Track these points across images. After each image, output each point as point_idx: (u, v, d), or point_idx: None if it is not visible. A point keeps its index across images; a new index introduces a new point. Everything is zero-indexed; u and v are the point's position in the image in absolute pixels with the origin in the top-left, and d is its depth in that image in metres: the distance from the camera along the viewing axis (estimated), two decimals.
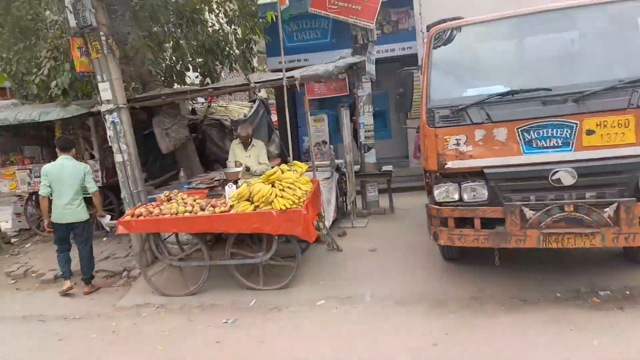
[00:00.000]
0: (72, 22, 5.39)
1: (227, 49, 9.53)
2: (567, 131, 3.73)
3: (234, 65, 9.73)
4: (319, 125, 8.99)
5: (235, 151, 6.35)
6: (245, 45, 9.64)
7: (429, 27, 4.56)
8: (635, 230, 3.51)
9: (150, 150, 8.10)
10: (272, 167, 5.32)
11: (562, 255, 4.67)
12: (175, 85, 9.68)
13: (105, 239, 7.11)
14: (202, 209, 4.66)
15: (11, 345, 4.46)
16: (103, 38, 5.57)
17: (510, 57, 4.37)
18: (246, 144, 6.34)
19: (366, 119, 7.66)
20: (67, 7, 5.33)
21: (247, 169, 6.07)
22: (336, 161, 7.36)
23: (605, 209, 3.57)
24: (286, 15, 6.37)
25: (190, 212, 4.64)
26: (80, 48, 5.61)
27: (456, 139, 4.02)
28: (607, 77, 3.71)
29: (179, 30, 8.16)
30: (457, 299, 4.18)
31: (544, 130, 3.79)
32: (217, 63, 9.08)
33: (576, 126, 3.70)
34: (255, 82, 5.91)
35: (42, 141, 7.92)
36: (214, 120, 9.26)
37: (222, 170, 6.03)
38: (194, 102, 9.33)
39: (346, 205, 7.38)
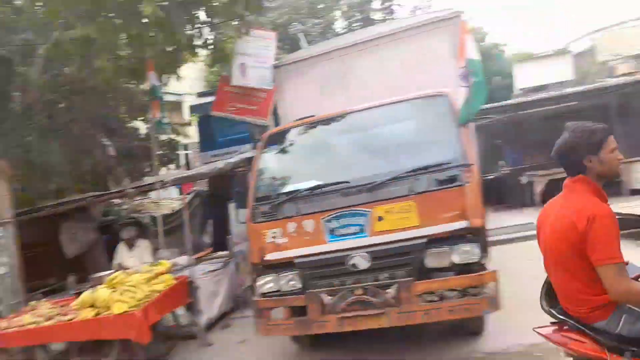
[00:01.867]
0: None
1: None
2: (362, 219, 4.03)
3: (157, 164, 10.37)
4: None
5: (121, 253, 6.59)
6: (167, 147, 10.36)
7: None
8: (415, 308, 3.71)
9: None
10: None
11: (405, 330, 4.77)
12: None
13: None
14: (50, 319, 4.79)
15: None
16: None
17: (325, 154, 4.74)
18: (130, 245, 6.59)
19: None
20: None
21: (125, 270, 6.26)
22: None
23: (387, 290, 3.81)
24: (159, 126, 6.92)
25: (37, 323, 4.77)
26: None
27: (273, 232, 4.31)
28: (394, 168, 4.08)
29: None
30: None
31: (344, 219, 4.08)
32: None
33: (369, 214, 4.01)
34: (132, 187, 6.32)
35: None
36: (131, 219, 9.55)
37: (90, 276, 6.22)
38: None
39: None
